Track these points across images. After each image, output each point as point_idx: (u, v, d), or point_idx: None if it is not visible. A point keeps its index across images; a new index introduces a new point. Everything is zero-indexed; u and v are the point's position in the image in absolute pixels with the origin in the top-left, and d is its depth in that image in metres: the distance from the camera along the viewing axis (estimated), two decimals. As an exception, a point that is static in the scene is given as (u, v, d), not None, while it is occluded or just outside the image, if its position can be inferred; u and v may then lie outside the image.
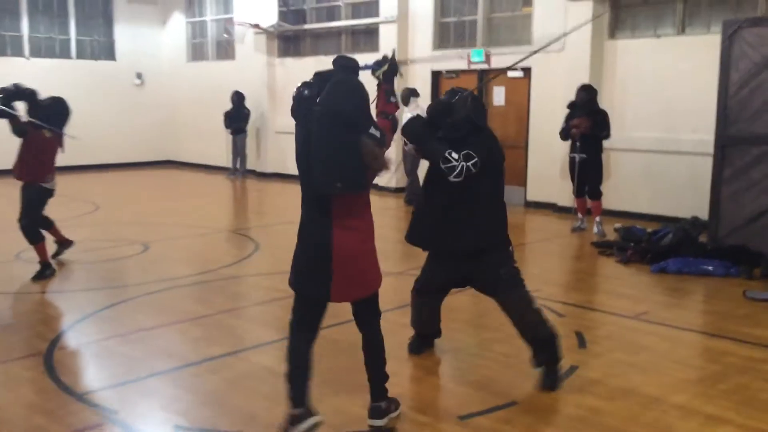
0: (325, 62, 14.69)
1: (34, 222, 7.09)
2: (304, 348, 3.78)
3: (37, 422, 3.89)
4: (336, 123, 3.47)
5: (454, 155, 4.16)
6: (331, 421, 3.86)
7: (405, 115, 11.46)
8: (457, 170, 4.17)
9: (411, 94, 11.54)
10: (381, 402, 3.85)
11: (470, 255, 4.39)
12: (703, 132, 9.04)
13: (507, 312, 4.42)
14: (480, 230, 4.36)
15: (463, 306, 6.05)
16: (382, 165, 3.54)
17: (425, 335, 4.98)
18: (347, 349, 4.94)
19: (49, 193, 7.19)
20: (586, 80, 9.94)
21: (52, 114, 7.21)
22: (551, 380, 4.30)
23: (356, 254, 3.67)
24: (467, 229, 4.34)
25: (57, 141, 7.24)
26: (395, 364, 4.69)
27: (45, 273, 6.99)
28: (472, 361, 4.84)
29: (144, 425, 3.90)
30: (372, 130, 3.54)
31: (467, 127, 4.34)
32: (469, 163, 4.17)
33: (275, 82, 15.51)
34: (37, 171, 7.01)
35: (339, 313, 5.75)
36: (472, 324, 5.60)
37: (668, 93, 9.82)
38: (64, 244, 7.70)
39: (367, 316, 3.91)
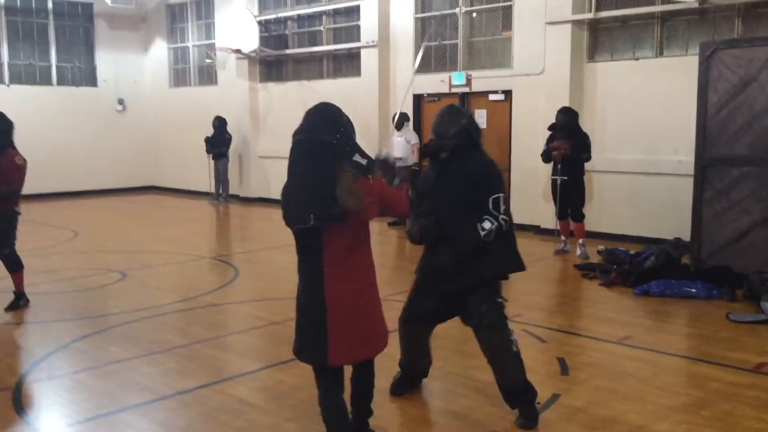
0: (307, 87, 14.80)
1: (13, 249, 6.83)
2: (334, 401, 3.52)
3: (2, 461, 3.76)
4: (310, 152, 3.30)
5: (487, 225, 3.98)
6: (306, 456, 3.76)
7: (396, 139, 11.49)
8: (502, 227, 4.05)
9: (404, 119, 11.63)
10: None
11: (459, 293, 4.16)
12: (684, 153, 9.07)
13: (483, 351, 4.20)
14: (464, 269, 4.10)
15: (444, 332, 5.94)
16: (357, 203, 3.23)
17: (412, 373, 4.65)
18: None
19: (17, 216, 6.83)
20: (566, 102, 9.97)
21: None
22: (529, 419, 4.08)
23: (354, 307, 3.35)
24: (473, 260, 4.09)
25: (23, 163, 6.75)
26: (375, 395, 4.58)
27: (19, 303, 6.82)
28: (453, 389, 4.75)
29: (113, 463, 3.78)
30: (357, 158, 3.33)
31: (458, 141, 4.12)
32: (503, 209, 4.04)
33: (258, 106, 15.47)
34: (10, 197, 6.68)
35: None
36: (453, 351, 5.51)
37: (648, 115, 9.86)
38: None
39: (365, 367, 3.65)
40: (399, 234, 11.24)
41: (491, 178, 4.10)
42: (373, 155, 3.53)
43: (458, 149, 4.13)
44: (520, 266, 4.29)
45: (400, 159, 11.34)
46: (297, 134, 3.38)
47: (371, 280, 3.45)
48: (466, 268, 4.07)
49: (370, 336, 3.44)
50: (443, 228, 4.10)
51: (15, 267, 6.85)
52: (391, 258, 10.20)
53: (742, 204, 7.49)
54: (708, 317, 6.38)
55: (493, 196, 4.01)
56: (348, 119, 3.43)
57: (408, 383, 4.65)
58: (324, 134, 3.30)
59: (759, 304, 6.41)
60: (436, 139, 4.19)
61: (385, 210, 3.54)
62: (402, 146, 11.49)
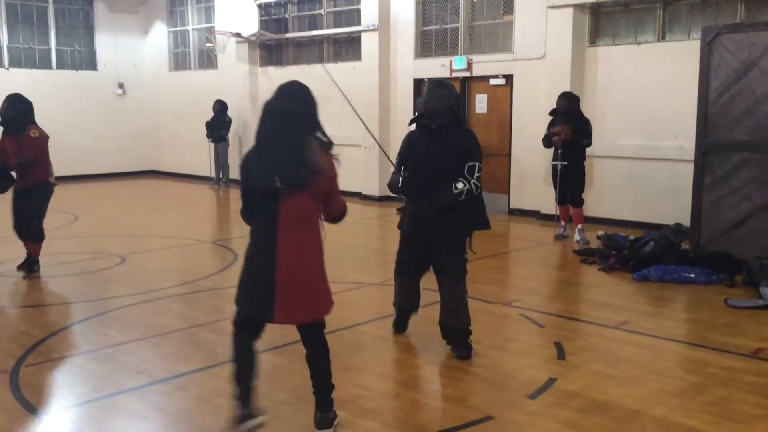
0: (307, 71, 14.71)
1: (41, 222, 7.45)
2: (248, 350, 3.69)
3: (-2, 444, 3.77)
4: (282, 122, 3.51)
5: (460, 186, 4.69)
6: (301, 440, 3.76)
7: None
8: (472, 190, 4.73)
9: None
10: (328, 412, 3.81)
11: (434, 242, 4.91)
12: (685, 139, 9.04)
13: (443, 297, 4.98)
14: (438, 228, 4.84)
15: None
16: (320, 171, 3.48)
17: (406, 311, 5.40)
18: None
19: (53, 188, 7.56)
20: (567, 87, 9.92)
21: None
22: (466, 350, 4.93)
23: (302, 272, 3.53)
24: (437, 224, 4.83)
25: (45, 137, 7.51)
26: (371, 380, 4.62)
27: (34, 267, 7.42)
28: (449, 374, 4.75)
29: (109, 445, 3.78)
30: (319, 134, 3.56)
31: (446, 117, 4.80)
32: (476, 177, 4.74)
33: (258, 91, 15.41)
34: (42, 170, 7.34)
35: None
36: (436, 338, 5.50)
37: (649, 100, 9.81)
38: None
39: (314, 335, 3.77)
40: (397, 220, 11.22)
41: (473, 149, 4.85)
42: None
43: (446, 123, 4.81)
44: (486, 225, 5.06)
45: None
46: (269, 104, 3.58)
47: (319, 249, 3.63)
48: (442, 224, 4.81)
49: (313, 300, 3.60)
50: (426, 186, 4.78)
51: (40, 237, 7.49)
52: (393, 243, 10.18)
53: (743, 190, 7.46)
54: (707, 303, 6.37)
55: (470, 163, 4.74)
56: (315, 100, 3.64)
57: (405, 321, 5.47)
58: (295, 106, 3.53)
59: (758, 289, 6.40)
60: (428, 115, 4.84)
61: (326, 197, 3.66)
62: None
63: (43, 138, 7.44)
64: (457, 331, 4.97)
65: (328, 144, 3.58)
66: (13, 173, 7.32)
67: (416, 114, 5.00)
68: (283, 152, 3.45)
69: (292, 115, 3.50)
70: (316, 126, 3.58)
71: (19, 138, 7.19)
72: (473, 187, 4.71)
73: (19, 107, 7.29)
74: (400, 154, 5.03)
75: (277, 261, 3.47)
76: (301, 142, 3.46)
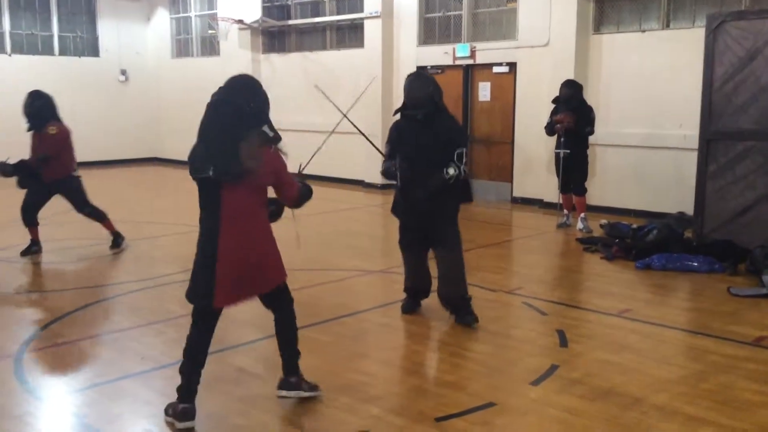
0: (310, 58, 14.63)
1: (91, 205, 7.94)
2: (202, 344, 3.82)
3: (4, 427, 3.78)
4: (223, 112, 3.54)
5: (451, 171, 5.02)
6: (304, 424, 3.78)
7: None
8: (461, 174, 5.08)
9: None
10: (291, 377, 3.97)
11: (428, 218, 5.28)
12: (689, 127, 9.01)
13: (440, 269, 5.32)
14: (430, 210, 5.19)
15: (440, 305, 5.96)
16: (255, 165, 3.51)
17: (415, 291, 5.61)
18: (321, 351, 4.88)
19: (79, 180, 7.87)
20: (571, 75, 9.89)
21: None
22: (470, 315, 5.30)
23: (244, 262, 3.63)
24: (431, 204, 5.17)
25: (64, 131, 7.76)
26: (374, 366, 4.63)
27: (119, 242, 7.99)
28: (452, 360, 4.76)
29: (113, 429, 3.80)
30: (266, 128, 3.60)
31: (429, 107, 5.10)
32: (464, 161, 5.08)
33: (260, 78, 15.31)
34: (64, 165, 7.62)
35: (318, 313, 5.68)
36: (451, 323, 5.51)
37: (653, 88, 9.77)
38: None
39: (278, 302, 3.94)
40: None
41: (460, 137, 5.25)
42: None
43: (430, 112, 5.11)
44: (469, 199, 5.46)
45: None
46: (213, 96, 3.64)
47: (265, 236, 3.74)
48: (435, 203, 5.15)
49: (257, 279, 3.73)
50: (418, 174, 5.07)
51: (101, 217, 8.01)
52: (396, 231, 10.19)
53: (747, 178, 7.44)
54: (709, 291, 6.37)
55: (458, 151, 5.07)
56: (265, 95, 3.70)
57: (414, 302, 5.67)
58: (239, 98, 3.57)
59: (761, 278, 6.40)
60: (412, 106, 5.15)
61: (277, 189, 3.79)
62: None
63: (63, 133, 7.63)
64: (455, 300, 5.30)
65: (274, 138, 3.63)
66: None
67: (401, 105, 5.30)
68: (219, 145, 3.50)
69: (230, 108, 3.54)
70: (261, 120, 3.60)
71: (40, 135, 7.53)
72: (462, 172, 5.08)
73: (37, 104, 7.62)
74: (389, 142, 5.34)
75: (219, 250, 3.58)
76: (237, 135, 3.50)
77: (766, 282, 6.27)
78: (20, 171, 7.43)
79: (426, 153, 5.09)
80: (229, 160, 3.48)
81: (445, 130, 5.12)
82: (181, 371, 3.80)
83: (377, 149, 5.69)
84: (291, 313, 3.99)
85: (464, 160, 5.09)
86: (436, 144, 5.07)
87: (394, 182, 5.22)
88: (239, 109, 3.54)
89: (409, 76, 5.34)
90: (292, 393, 3.97)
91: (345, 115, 5.64)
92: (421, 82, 5.20)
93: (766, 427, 3.75)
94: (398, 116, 5.33)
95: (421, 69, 5.53)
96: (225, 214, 3.58)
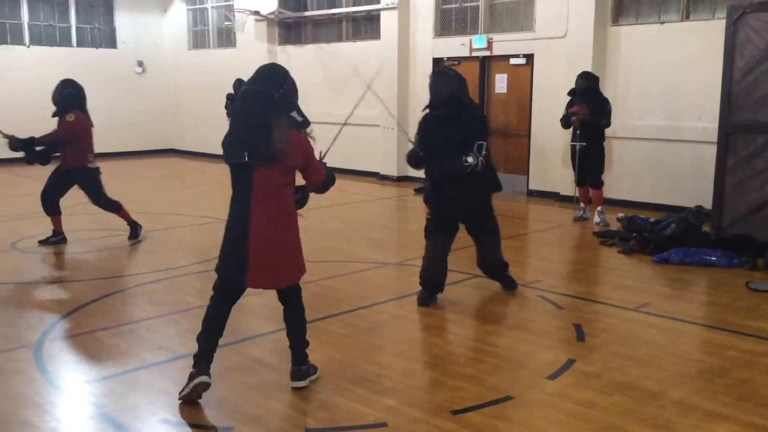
0: (326, 50, 14.63)
1: (106, 197, 8.04)
2: (221, 314, 4.02)
3: (24, 415, 3.83)
4: (253, 100, 3.77)
5: (470, 160, 5.22)
6: (319, 416, 3.80)
7: None
8: (479, 165, 5.25)
9: None
10: (302, 366, 4.11)
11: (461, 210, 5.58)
12: (708, 120, 8.92)
13: (482, 247, 5.77)
14: (462, 199, 5.45)
15: (460, 298, 5.97)
16: (285, 147, 3.71)
17: (430, 283, 5.68)
18: (337, 342, 4.89)
19: (94, 171, 7.94)
20: (588, 67, 9.81)
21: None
22: (511, 284, 6.00)
23: (273, 242, 3.82)
24: (464, 196, 5.45)
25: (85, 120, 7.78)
26: (390, 358, 4.64)
27: (137, 230, 8.09)
28: (468, 354, 4.76)
29: (131, 419, 3.83)
30: (294, 114, 3.81)
31: (452, 105, 5.26)
32: (483, 153, 5.27)
33: (276, 69, 15.36)
34: (78, 155, 7.69)
35: (335, 304, 5.70)
36: (469, 316, 5.52)
37: (672, 80, 9.68)
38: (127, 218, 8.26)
39: (289, 296, 4.09)
40: (416, 200, 11.20)
41: (481, 129, 5.46)
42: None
43: (455, 110, 5.29)
44: (498, 187, 5.78)
45: None
46: (244, 84, 3.91)
47: (291, 220, 3.92)
48: (462, 194, 5.42)
49: (282, 268, 3.91)
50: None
51: (116, 209, 8.11)
52: (411, 223, 10.19)
53: (766, 172, 7.36)
54: (727, 286, 6.32)
55: (479, 142, 5.29)
56: (292, 82, 3.90)
57: (430, 295, 5.71)
58: (267, 87, 3.78)
59: (780, 273, 6.34)
60: (435, 105, 5.35)
61: (304, 173, 4.01)
62: None
63: (80, 122, 7.67)
64: (498, 271, 5.96)
65: (303, 123, 3.85)
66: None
67: (429, 102, 5.48)
68: (252, 130, 3.73)
69: (262, 95, 3.76)
70: (290, 106, 3.81)
71: (60, 121, 7.64)
72: (479, 163, 5.26)
73: (65, 91, 7.66)
74: (418, 135, 5.56)
75: (250, 230, 3.77)
76: (268, 120, 3.70)
77: (785, 277, 6.21)
78: (28, 146, 7.52)
79: (450, 147, 5.30)
80: (261, 144, 3.68)
81: (467, 125, 5.32)
82: (199, 340, 3.99)
83: (410, 140, 5.72)
84: (299, 304, 4.14)
85: (483, 152, 5.28)
86: (460, 138, 5.28)
87: (414, 167, 5.65)
88: (268, 97, 3.74)
89: (433, 73, 5.55)
90: (306, 382, 4.10)
91: (391, 113, 6.15)
92: (445, 80, 5.35)
93: (785, 423, 3.73)
94: (427, 111, 5.50)
95: (442, 65, 5.58)
96: (255, 195, 3.77)
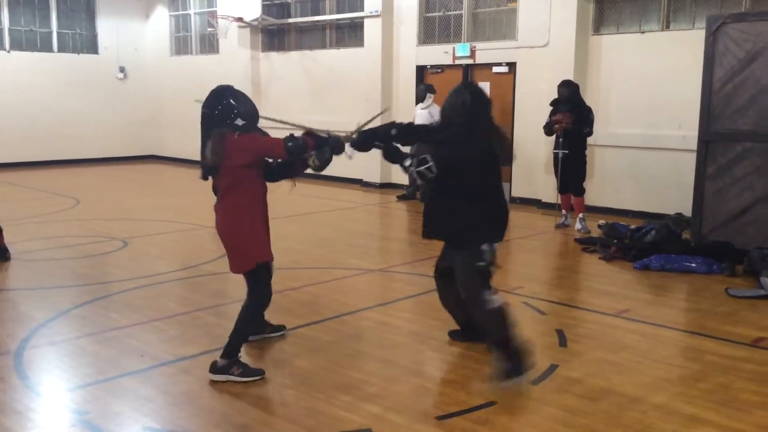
0: (309, 57, 14.68)
1: None
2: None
3: (3, 423, 3.79)
4: (202, 120, 4.39)
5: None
6: (305, 423, 3.79)
7: (418, 111, 11.34)
8: (414, 175, 4.39)
9: (427, 90, 11.39)
10: (224, 360, 4.31)
11: (450, 245, 4.63)
12: (687, 128, 9.03)
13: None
14: (440, 223, 4.55)
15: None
16: (216, 158, 4.23)
17: (455, 318, 5.03)
18: (321, 349, 4.89)
19: None
20: (570, 76, 9.90)
21: None
22: (499, 370, 4.28)
23: (226, 234, 4.38)
24: (435, 219, 4.58)
25: None
26: (374, 365, 4.64)
27: (5, 255, 7.36)
28: (452, 360, 4.78)
29: (114, 426, 3.80)
30: (238, 120, 4.28)
31: (455, 128, 4.48)
32: (422, 168, 4.32)
33: (259, 76, 15.37)
34: None
35: (319, 311, 5.70)
36: (452, 322, 5.51)
37: (652, 89, 9.80)
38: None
39: (252, 281, 4.45)
40: (408, 208, 11.24)
41: (441, 150, 4.44)
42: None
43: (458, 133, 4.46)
44: (493, 238, 4.50)
45: None
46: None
47: (243, 216, 4.37)
48: (436, 224, 4.57)
49: (233, 258, 4.44)
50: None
51: None
52: (395, 230, 10.22)
53: (745, 180, 7.46)
54: (707, 292, 6.40)
55: (425, 155, 4.36)
56: (235, 96, 4.38)
57: (463, 334, 4.99)
58: (208, 108, 4.35)
59: (759, 279, 6.42)
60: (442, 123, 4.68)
61: (266, 156, 4.48)
62: (424, 119, 11.36)
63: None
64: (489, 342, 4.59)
65: (242, 127, 4.30)
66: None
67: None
68: (201, 148, 4.39)
69: (204, 116, 4.37)
70: (230, 118, 4.28)
71: None
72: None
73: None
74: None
75: (216, 224, 4.44)
76: (206, 137, 4.31)
77: (763, 283, 6.29)
78: None
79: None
80: (203, 159, 4.35)
81: (445, 140, 4.53)
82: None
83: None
84: (252, 307, 4.48)
85: (420, 168, 4.32)
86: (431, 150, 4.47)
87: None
88: (206, 117, 4.35)
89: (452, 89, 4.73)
90: (219, 377, 4.29)
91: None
92: (451, 100, 4.57)
93: (764, 427, 3.77)
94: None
95: (464, 84, 4.86)
96: (219, 195, 4.43)
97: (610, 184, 10.29)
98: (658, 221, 8.24)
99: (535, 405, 4.04)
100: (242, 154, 4.27)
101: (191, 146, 16.98)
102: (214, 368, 4.31)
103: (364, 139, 4.68)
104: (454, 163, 4.38)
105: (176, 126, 17.49)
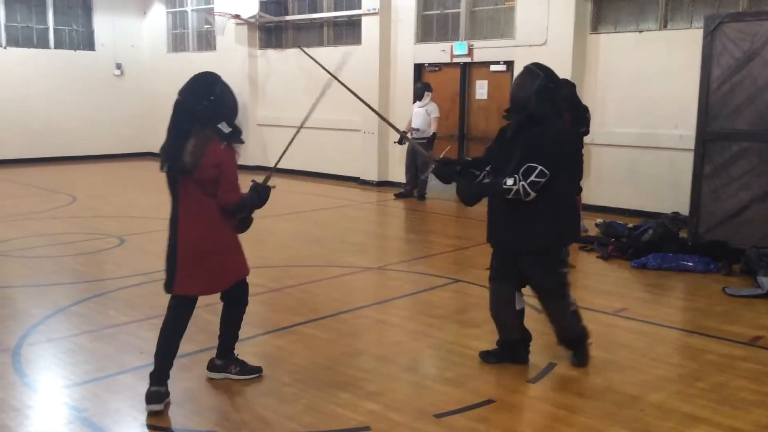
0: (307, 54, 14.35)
1: None
2: (177, 329, 4.03)
3: (3, 420, 3.78)
4: (179, 111, 3.79)
5: (509, 182, 4.10)
6: (304, 420, 3.79)
7: (416, 110, 11.35)
8: (521, 192, 4.10)
9: (425, 88, 11.44)
10: (222, 359, 4.25)
11: (517, 254, 4.38)
12: (685, 128, 9.05)
13: (543, 308, 4.58)
14: (518, 232, 4.29)
15: (441, 302, 6.00)
16: (193, 161, 3.69)
17: (503, 346, 4.63)
18: (319, 347, 4.89)
19: None
20: (568, 75, 9.89)
21: None
22: (579, 359, 4.55)
23: (198, 249, 3.84)
24: (508, 230, 4.34)
25: None
26: (372, 363, 4.65)
27: None
28: (450, 358, 4.78)
29: (113, 423, 3.81)
30: (222, 125, 3.74)
31: (523, 115, 4.25)
32: (530, 179, 4.07)
33: (257, 74, 15.35)
34: None
35: (316, 309, 5.70)
36: (450, 320, 5.54)
37: (650, 88, 9.81)
38: None
39: (230, 300, 4.16)
40: (405, 206, 11.24)
41: (539, 151, 4.13)
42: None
43: (527, 120, 4.23)
44: (571, 237, 4.52)
45: (417, 130, 11.28)
46: (177, 95, 3.85)
47: (217, 230, 3.88)
48: (515, 231, 4.29)
49: (210, 277, 3.91)
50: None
51: None
52: (393, 229, 10.22)
53: (742, 179, 7.48)
54: (704, 291, 6.41)
55: (530, 164, 4.09)
56: (222, 92, 3.81)
57: (502, 353, 4.63)
58: (190, 98, 3.76)
59: (755, 278, 6.44)
60: (510, 108, 4.37)
61: (222, 193, 3.82)
62: (421, 117, 11.38)
63: None
64: (570, 342, 4.59)
65: (229, 135, 3.76)
66: None
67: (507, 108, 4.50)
68: (174, 141, 3.77)
69: (181, 105, 3.78)
70: (216, 117, 3.74)
71: None
72: (522, 188, 4.08)
73: None
74: (488, 148, 4.59)
75: (178, 239, 3.85)
76: (186, 131, 3.72)
77: (760, 282, 6.31)
78: None
79: (509, 164, 4.22)
80: (177, 156, 3.73)
81: (529, 139, 4.19)
82: (155, 355, 3.99)
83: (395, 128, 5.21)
84: (242, 312, 4.25)
85: (531, 179, 4.06)
86: (518, 155, 4.18)
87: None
88: (188, 108, 3.75)
89: (522, 69, 4.50)
90: (219, 375, 4.23)
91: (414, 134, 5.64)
92: (522, 81, 4.34)
93: (761, 425, 3.79)
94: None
95: (534, 66, 4.50)
96: (182, 206, 3.85)
97: (608, 183, 10.31)
98: (655, 220, 8.26)
99: (533, 403, 4.05)
100: (213, 168, 3.73)
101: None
102: (213, 367, 4.29)
103: (477, 193, 4.37)
104: (560, 159, 4.19)
105: (173, 123, 17.45)
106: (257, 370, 4.35)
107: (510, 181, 4.10)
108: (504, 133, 4.45)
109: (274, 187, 4.13)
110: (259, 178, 4.19)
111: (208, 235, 3.85)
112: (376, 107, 12.56)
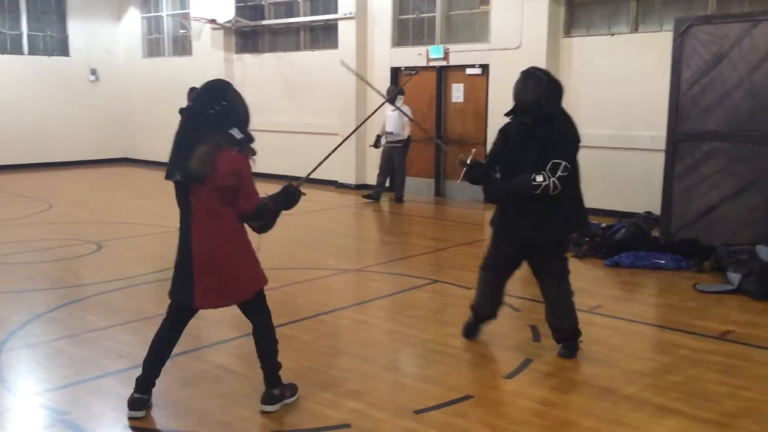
0: (283, 59, 14.64)
1: None
2: (170, 338, 3.97)
3: (-18, 426, 3.79)
4: (190, 117, 3.70)
5: (539, 179, 4.37)
6: (285, 420, 3.84)
7: (389, 113, 11.39)
8: (551, 187, 4.39)
9: (398, 92, 11.46)
10: (274, 389, 3.95)
11: (528, 241, 4.67)
12: (656, 129, 9.21)
13: (544, 294, 4.83)
14: (541, 224, 4.56)
15: (420, 302, 6.08)
16: (203, 169, 3.56)
17: (482, 315, 5.06)
18: (300, 348, 4.94)
19: None
20: (542, 77, 10.04)
21: None
22: (569, 351, 4.75)
23: (215, 261, 3.71)
24: (529, 223, 4.58)
25: None
26: (353, 362, 4.70)
27: None
28: (429, 356, 4.85)
29: (96, 426, 3.82)
30: (233, 131, 3.63)
31: (537, 114, 4.50)
32: (558, 174, 4.38)
33: (233, 78, 15.31)
34: None
35: (297, 311, 5.74)
36: (429, 320, 5.61)
37: (622, 90, 9.98)
38: None
39: (252, 313, 3.98)
40: (374, 208, 11.32)
41: (561, 146, 4.48)
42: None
43: (537, 119, 4.51)
44: (581, 225, 5.11)
45: (391, 134, 11.36)
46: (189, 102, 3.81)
47: (236, 238, 3.77)
48: (534, 221, 4.55)
49: (230, 287, 3.79)
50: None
51: None
52: (372, 231, 10.29)
53: (712, 179, 7.65)
54: (676, 288, 6.55)
55: (555, 160, 4.39)
56: (234, 97, 3.74)
57: (478, 328, 5.10)
58: (202, 105, 3.66)
59: (725, 275, 6.59)
60: (517, 110, 4.65)
61: (236, 194, 3.70)
62: (394, 120, 11.44)
63: None
64: (565, 333, 4.78)
65: (241, 141, 3.67)
66: None
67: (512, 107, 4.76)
68: (185, 148, 3.63)
69: (192, 111, 3.70)
70: (229, 123, 3.64)
71: None
72: (552, 184, 4.37)
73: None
74: (493, 145, 4.87)
75: (193, 251, 3.71)
76: (196, 137, 3.60)
77: (730, 279, 6.46)
78: None
79: (524, 160, 4.48)
80: (186, 164, 3.60)
81: (547, 136, 4.46)
82: (144, 362, 3.94)
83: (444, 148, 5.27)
84: (267, 324, 3.98)
85: (559, 174, 4.38)
86: (536, 152, 4.45)
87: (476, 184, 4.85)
88: (199, 114, 3.65)
89: (521, 73, 4.73)
90: (277, 406, 3.94)
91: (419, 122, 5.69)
92: (526, 86, 4.58)
93: (731, 415, 3.90)
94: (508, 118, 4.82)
95: (534, 69, 4.85)
96: (195, 216, 3.70)
97: (582, 183, 10.41)
98: (628, 220, 8.41)
99: (510, 397, 4.13)
100: (231, 176, 3.63)
101: (164, 148, 16.87)
102: (271, 399, 3.94)
103: (510, 193, 4.61)
104: (576, 154, 4.56)
105: (149, 128, 17.38)
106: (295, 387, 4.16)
107: (540, 178, 4.37)
108: (507, 134, 4.72)
109: (305, 194, 4.07)
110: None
111: (225, 245, 3.73)
112: (352, 111, 12.69)
